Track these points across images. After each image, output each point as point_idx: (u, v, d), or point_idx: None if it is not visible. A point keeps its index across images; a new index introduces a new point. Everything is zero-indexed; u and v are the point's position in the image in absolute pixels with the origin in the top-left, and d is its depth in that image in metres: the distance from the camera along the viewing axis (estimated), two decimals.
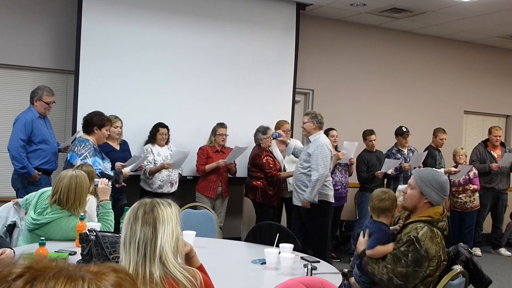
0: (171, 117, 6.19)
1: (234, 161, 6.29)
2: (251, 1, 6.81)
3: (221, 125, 6.23)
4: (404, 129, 7.04)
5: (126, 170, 5.12)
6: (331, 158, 5.63)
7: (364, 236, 3.19)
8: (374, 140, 6.91)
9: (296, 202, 5.63)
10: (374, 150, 6.94)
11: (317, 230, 5.55)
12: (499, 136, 7.63)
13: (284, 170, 6.30)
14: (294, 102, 7.11)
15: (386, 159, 6.63)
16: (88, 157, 4.54)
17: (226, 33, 6.66)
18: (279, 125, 6.40)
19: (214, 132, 6.17)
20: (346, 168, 6.63)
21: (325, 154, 5.47)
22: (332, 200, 5.73)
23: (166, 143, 6.01)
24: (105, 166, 4.74)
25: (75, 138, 5.06)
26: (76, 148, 4.62)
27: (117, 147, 5.58)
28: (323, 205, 5.54)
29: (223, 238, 4.98)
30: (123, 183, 5.08)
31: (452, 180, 7.29)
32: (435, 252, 2.94)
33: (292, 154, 5.95)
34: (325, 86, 7.64)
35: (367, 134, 6.95)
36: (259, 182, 6.06)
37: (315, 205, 5.47)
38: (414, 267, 2.91)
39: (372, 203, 3.25)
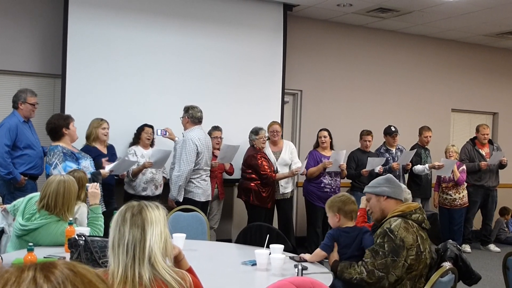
0: (160, 120, 6.16)
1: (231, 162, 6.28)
2: (239, 3, 6.81)
3: (216, 128, 6.22)
4: (393, 129, 7.07)
5: (105, 170, 5.03)
6: (198, 154, 5.36)
7: (337, 246, 3.28)
8: (369, 141, 6.92)
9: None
10: (368, 151, 6.96)
11: None
12: (487, 134, 7.66)
13: (277, 171, 6.28)
14: (283, 103, 7.12)
15: (369, 158, 6.63)
16: (58, 164, 4.50)
17: (214, 35, 6.65)
18: (269, 126, 6.40)
19: (209, 135, 6.12)
20: (337, 172, 6.58)
21: (189, 150, 5.28)
22: (199, 199, 5.44)
23: (151, 145, 5.97)
24: (84, 165, 4.67)
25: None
26: (48, 158, 4.61)
27: (105, 151, 5.51)
28: (188, 203, 5.17)
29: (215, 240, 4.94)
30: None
31: (442, 177, 7.33)
32: (412, 241, 3.04)
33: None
34: (313, 86, 7.66)
35: (364, 133, 6.96)
36: (252, 184, 6.04)
37: (180, 203, 5.18)
38: (392, 257, 3.01)
39: (349, 206, 3.29)
